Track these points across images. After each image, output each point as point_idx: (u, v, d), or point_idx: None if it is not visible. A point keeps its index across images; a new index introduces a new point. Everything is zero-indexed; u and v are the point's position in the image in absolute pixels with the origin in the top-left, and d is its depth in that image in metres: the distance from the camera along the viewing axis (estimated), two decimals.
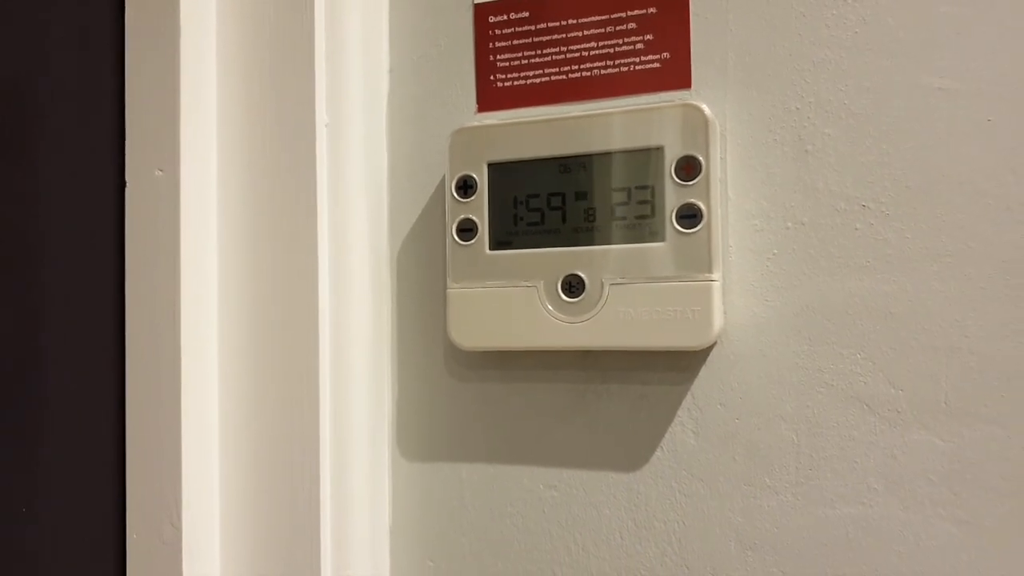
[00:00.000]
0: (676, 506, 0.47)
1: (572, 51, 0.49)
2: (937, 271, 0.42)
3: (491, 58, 0.51)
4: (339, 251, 0.50)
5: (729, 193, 0.46)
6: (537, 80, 0.50)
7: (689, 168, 0.44)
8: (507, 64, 0.51)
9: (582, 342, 0.46)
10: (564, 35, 0.49)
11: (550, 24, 0.50)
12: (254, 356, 0.51)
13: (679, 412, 0.47)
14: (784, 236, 0.45)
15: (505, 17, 0.51)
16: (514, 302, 0.47)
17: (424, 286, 0.53)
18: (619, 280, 0.45)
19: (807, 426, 0.44)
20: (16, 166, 0.58)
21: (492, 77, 0.51)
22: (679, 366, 0.47)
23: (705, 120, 0.44)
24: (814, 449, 0.44)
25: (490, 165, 0.48)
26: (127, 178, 0.52)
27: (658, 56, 0.47)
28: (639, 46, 0.48)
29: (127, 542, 0.52)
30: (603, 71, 0.49)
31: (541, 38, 0.50)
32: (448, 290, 0.49)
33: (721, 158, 0.46)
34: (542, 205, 0.47)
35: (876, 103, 0.43)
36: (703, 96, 0.46)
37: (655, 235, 0.45)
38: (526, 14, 0.50)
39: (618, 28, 0.48)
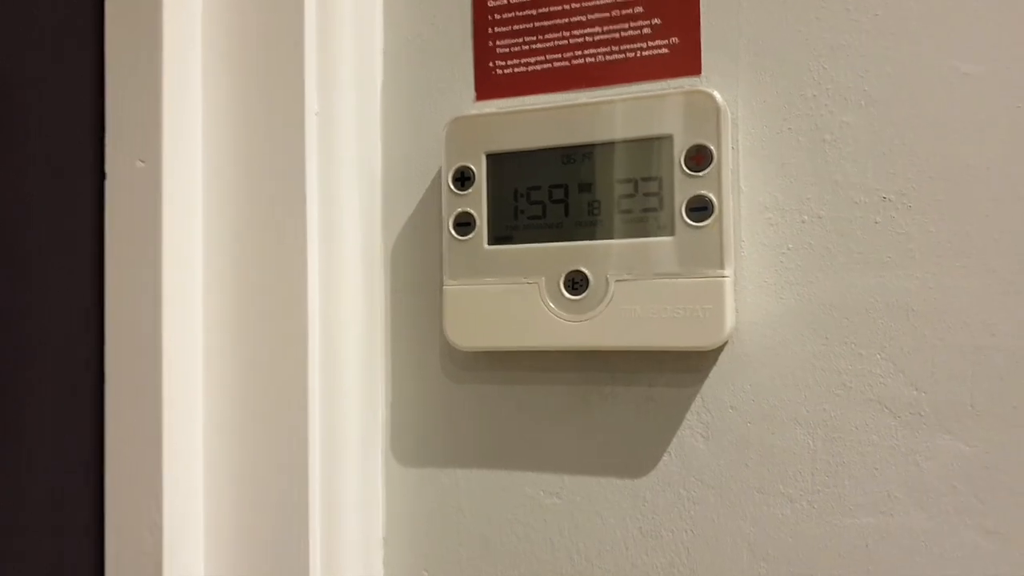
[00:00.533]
0: (685, 514, 0.46)
1: (575, 36, 0.48)
2: (962, 266, 0.41)
3: (490, 44, 0.50)
4: (330, 246, 0.50)
5: (741, 185, 0.45)
6: (539, 67, 0.49)
7: (699, 158, 0.43)
8: (507, 50, 0.50)
9: (585, 342, 0.45)
10: (567, 19, 0.48)
11: (552, 8, 0.49)
12: (240, 356, 0.50)
13: (688, 415, 0.46)
14: (800, 230, 0.44)
15: (505, 1, 0.50)
16: (514, 300, 0.46)
17: (419, 283, 0.52)
18: (625, 276, 0.44)
19: (824, 430, 0.43)
20: None
21: (491, 64, 0.50)
22: (688, 367, 0.46)
23: (716, 107, 0.43)
24: (831, 455, 0.43)
25: (489, 156, 0.47)
26: (107, 169, 0.51)
27: (666, 41, 0.46)
28: (646, 31, 0.47)
29: (105, 551, 0.51)
30: (608, 57, 0.47)
31: (543, 23, 0.49)
32: (444, 287, 0.48)
33: (733, 148, 0.45)
34: (543, 198, 0.46)
35: (898, 89, 0.42)
36: (714, 83, 0.45)
37: (663, 229, 0.44)
38: None
39: (624, 12, 0.47)
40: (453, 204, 0.48)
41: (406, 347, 0.52)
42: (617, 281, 0.44)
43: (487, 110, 0.48)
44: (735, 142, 0.45)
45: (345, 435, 0.50)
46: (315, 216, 0.49)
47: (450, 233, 0.48)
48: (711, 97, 0.43)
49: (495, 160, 0.47)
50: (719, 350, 0.45)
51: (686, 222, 0.43)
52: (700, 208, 0.43)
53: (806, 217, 0.44)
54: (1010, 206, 0.40)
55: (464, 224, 0.48)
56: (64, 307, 0.54)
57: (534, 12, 0.49)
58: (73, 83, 0.54)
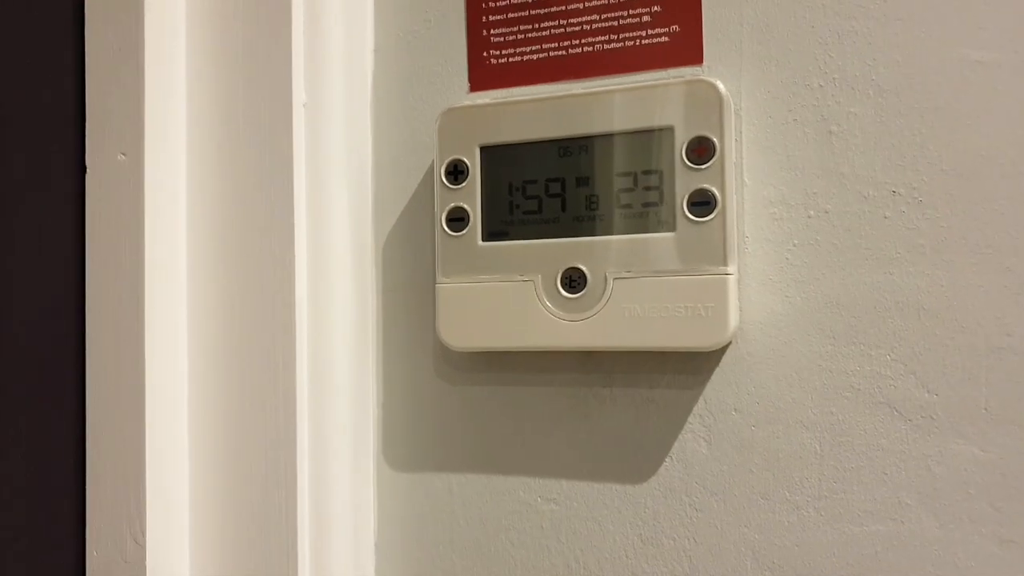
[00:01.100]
0: (687, 521, 0.45)
1: (572, 24, 0.47)
2: (976, 263, 0.40)
3: (484, 32, 0.49)
4: (318, 243, 0.49)
5: (745, 178, 0.44)
6: (534, 56, 0.48)
7: (701, 150, 0.42)
8: (502, 39, 0.49)
9: (583, 342, 0.44)
10: (564, 7, 0.47)
11: None
12: (226, 357, 0.49)
13: (690, 419, 0.45)
14: (806, 225, 0.43)
15: None
16: (509, 298, 0.46)
17: (411, 281, 0.51)
18: (624, 274, 0.43)
19: (831, 434, 0.42)
20: None
21: (485, 53, 0.49)
22: (690, 368, 0.45)
23: (719, 98, 0.42)
24: (839, 460, 0.42)
25: (483, 148, 0.46)
26: (87, 163, 0.51)
27: (667, 29, 0.45)
28: (646, 18, 0.46)
29: (87, 560, 0.50)
30: (606, 46, 0.46)
31: (538, 11, 0.48)
32: (437, 285, 0.47)
33: (736, 140, 0.44)
34: (540, 192, 0.45)
35: (908, 79, 0.41)
36: (716, 72, 0.44)
37: (664, 224, 0.43)
38: None
39: None
40: (446, 199, 0.47)
41: (398, 347, 0.52)
42: (616, 279, 0.43)
43: (481, 101, 0.47)
44: (738, 134, 0.44)
45: (335, 439, 0.49)
46: (303, 211, 0.48)
47: (443, 229, 0.47)
48: (713, 87, 0.42)
49: (489, 153, 0.46)
50: (722, 351, 0.44)
51: (688, 217, 0.42)
52: (702, 202, 0.42)
53: (812, 212, 0.43)
54: None
55: (457, 219, 0.47)
56: (43, 306, 0.54)
57: None
58: (53, 75, 0.53)
